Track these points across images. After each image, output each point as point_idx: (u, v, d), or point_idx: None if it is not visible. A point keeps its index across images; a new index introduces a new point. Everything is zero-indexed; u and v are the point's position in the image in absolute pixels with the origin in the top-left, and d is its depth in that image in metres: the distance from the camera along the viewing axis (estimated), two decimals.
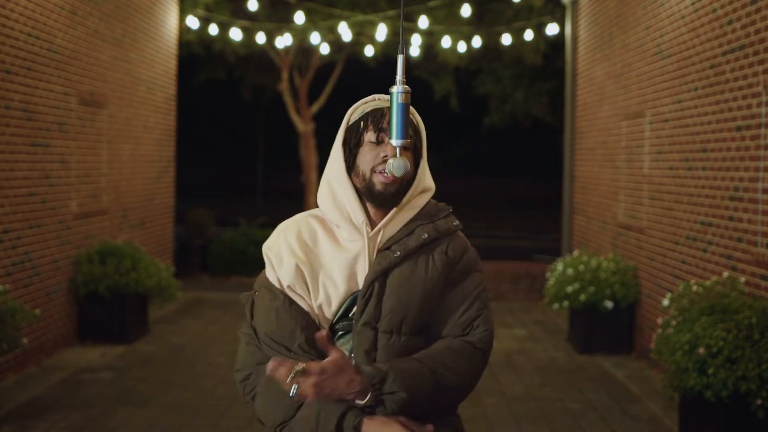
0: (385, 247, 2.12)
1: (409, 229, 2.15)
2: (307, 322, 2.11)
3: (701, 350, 4.87)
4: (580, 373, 7.34)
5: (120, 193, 9.27)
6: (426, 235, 2.13)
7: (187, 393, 6.46)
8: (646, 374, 7.23)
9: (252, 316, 2.16)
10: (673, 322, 5.42)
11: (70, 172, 7.89)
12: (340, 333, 2.13)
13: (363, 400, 2.00)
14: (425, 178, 2.19)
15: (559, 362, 7.74)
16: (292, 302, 2.12)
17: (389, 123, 2.10)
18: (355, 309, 2.11)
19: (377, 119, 2.13)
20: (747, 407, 4.76)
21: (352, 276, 2.11)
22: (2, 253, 6.58)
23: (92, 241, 8.34)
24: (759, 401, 4.65)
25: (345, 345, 2.11)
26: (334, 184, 2.16)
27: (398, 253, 2.11)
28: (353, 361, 2.06)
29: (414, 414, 2.03)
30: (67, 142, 7.82)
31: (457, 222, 2.21)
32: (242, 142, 38.42)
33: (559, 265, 8.43)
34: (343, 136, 2.16)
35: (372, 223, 2.15)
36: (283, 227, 2.20)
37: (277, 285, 2.14)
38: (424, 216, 2.17)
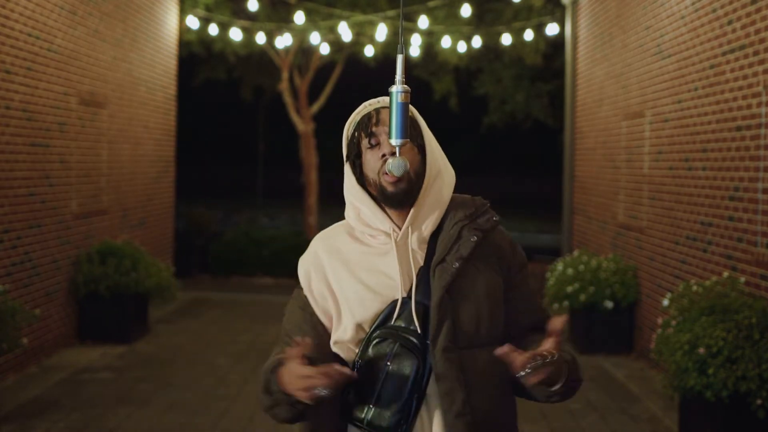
0: (439, 260, 2.08)
1: (453, 233, 2.11)
2: (318, 329, 2.12)
3: (701, 350, 4.87)
4: None
5: (120, 193, 9.26)
6: (474, 237, 2.10)
7: (187, 393, 6.46)
8: (646, 374, 7.23)
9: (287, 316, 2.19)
10: (673, 322, 5.42)
11: (70, 172, 7.89)
12: (377, 340, 2.07)
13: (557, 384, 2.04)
14: (436, 162, 2.15)
15: None
16: (307, 311, 2.14)
17: (378, 122, 2.11)
18: (396, 316, 2.08)
19: (365, 124, 2.12)
20: (747, 407, 4.76)
21: (388, 282, 2.08)
22: (2, 253, 6.58)
23: (92, 241, 8.34)
24: (759, 401, 4.65)
25: (382, 351, 2.05)
26: (353, 200, 2.15)
27: (456, 264, 2.07)
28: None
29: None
30: (67, 142, 7.82)
31: (497, 217, 2.18)
32: (242, 142, 38.42)
33: (559, 265, 8.43)
34: (346, 152, 2.16)
35: (398, 226, 2.13)
36: (318, 237, 2.22)
37: (300, 289, 2.17)
38: (462, 213, 2.14)
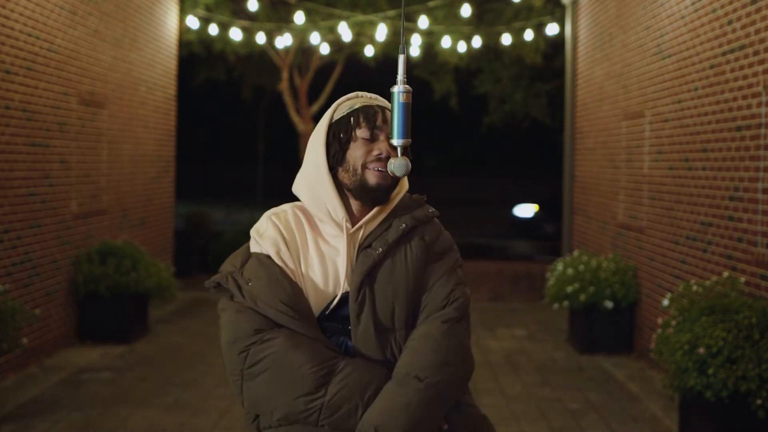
0: (366, 245, 2.11)
1: (386, 223, 2.15)
2: (302, 294, 2.10)
3: (701, 350, 4.87)
4: (580, 373, 7.34)
5: (120, 193, 9.27)
6: (404, 225, 2.13)
7: (187, 393, 6.46)
8: (646, 374, 7.23)
9: (241, 290, 2.09)
10: (673, 322, 5.42)
11: (70, 172, 7.89)
12: (328, 335, 2.10)
13: None
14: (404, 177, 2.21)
15: (559, 362, 7.74)
16: (286, 273, 2.10)
17: (383, 121, 2.11)
18: (332, 308, 2.10)
19: (370, 116, 2.12)
20: (747, 407, 4.76)
21: (334, 274, 2.10)
22: (2, 253, 6.58)
23: (92, 241, 8.34)
24: (759, 401, 4.65)
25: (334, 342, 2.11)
26: (311, 179, 2.14)
27: (380, 249, 2.10)
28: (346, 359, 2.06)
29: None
30: (67, 142, 7.82)
31: (433, 209, 2.21)
32: (242, 142, 38.40)
33: (559, 265, 8.43)
34: (326, 131, 2.14)
35: (353, 220, 2.14)
36: (271, 212, 2.20)
37: (267, 256, 2.12)
38: (400, 209, 2.18)
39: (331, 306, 2.10)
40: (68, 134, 7.85)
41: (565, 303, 8.01)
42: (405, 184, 2.21)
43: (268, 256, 2.12)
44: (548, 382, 6.98)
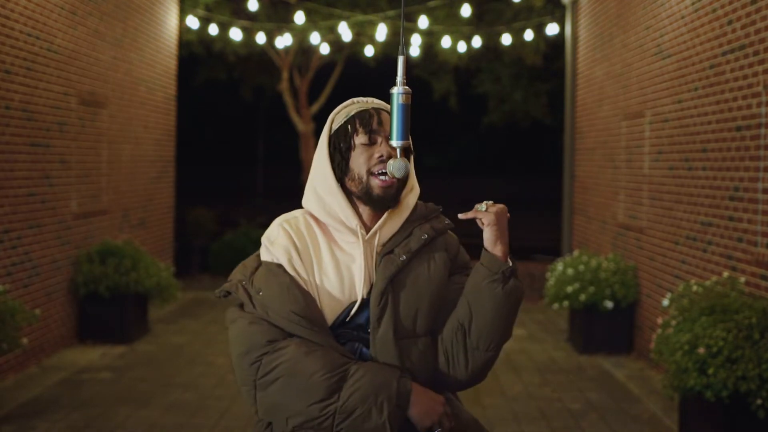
0: (387, 251, 2.11)
1: (406, 230, 2.15)
2: (314, 302, 2.08)
3: (701, 350, 4.87)
4: (580, 373, 7.34)
5: (120, 193, 9.26)
6: (425, 235, 2.15)
7: (187, 393, 6.46)
8: (646, 374, 7.23)
9: (251, 300, 2.08)
10: (673, 322, 5.42)
11: (70, 172, 7.89)
12: (342, 342, 2.10)
13: (501, 270, 2.13)
14: (413, 177, 2.21)
15: (559, 362, 7.74)
16: (297, 282, 2.09)
17: (379, 123, 2.11)
18: (351, 316, 2.09)
19: (366, 120, 2.11)
20: (747, 407, 4.76)
21: (349, 281, 2.09)
22: (2, 253, 6.59)
23: (92, 241, 8.34)
24: (759, 401, 4.65)
25: (348, 349, 2.11)
26: (320, 191, 2.13)
27: (403, 257, 2.10)
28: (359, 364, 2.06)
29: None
30: (67, 142, 7.82)
31: (448, 221, 2.25)
32: (242, 142, 38.41)
33: (559, 265, 8.43)
34: (327, 141, 2.14)
35: (366, 226, 2.14)
36: (282, 219, 2.18)
37: (278, 265, 2.11)
38: (418, 216, 2.19)
39: (351, 313, 2.09)
40: (68, 134, 7.85)
41: (565, 303, 8.01)
42: (416, 186, 2.21)
43: (279, 265, 2.11)
44: (548, 382, 6.99)
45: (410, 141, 2.14)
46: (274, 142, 36.29)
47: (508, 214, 2.15)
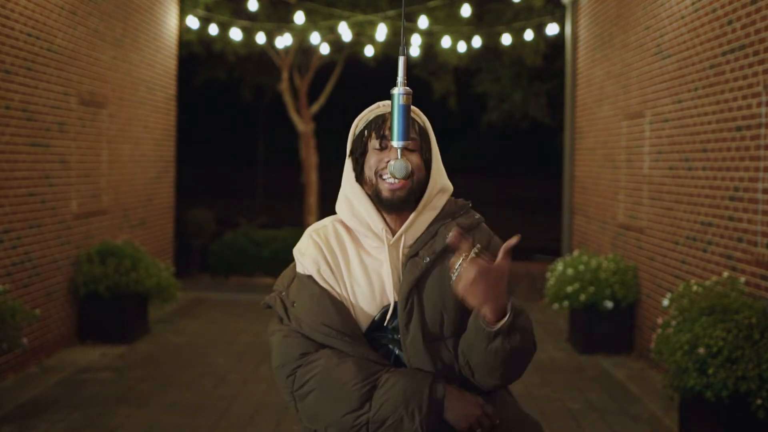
0: (413, 254, 2.11)
1: (431, 231, 2.14)
2: (346, 311, 2.10)
3: (701, 350, 4.88)
4: (580, 373, 7.34)
5: (120, 193, 9.27)
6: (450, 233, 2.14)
7: (187, 393, 6.46)
8: (646, 374, 7.24)
9: (287, 312, 2.12)
10: (673, 322, 5.42)
11: (70, 172, 7.89)
12: (377, 345, 2.11)
13: (498, 321, 1.93)
14: (440, 179, 2.18)
15: (559, 362, 7.74)
16: (327, 293, 2.11)
17: (391, 127, 2.11)
18: (388, 320, 2.09)
19: (378, 125, 2.13)
20: (747, 407, 4.76)
21: (379, 285, 2.10)
22: (2, 253, 6.58)
23: (92, 241, 8.34)
24: (759, 401, 4.65)
25: (383, 353, 2.11)
26: (349, 195, 2.16)
27: (427, 258, 2.10)
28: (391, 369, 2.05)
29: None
30: (67, 142, 7.82)
31: (479, 215, 2.22)
32: (242, 142, 38.40)
33: (559, 265, 8.43)
34: (350, 147, 2.17)
35: (392, 230, 2.14)
36: (312, 230, 2.20)
37: (309, 276, 2.13)
38: (445, 215, 2.17)
39: (386, 317, 2.09)
40: (68, 134, 7.85)
41: (565, 303, 8.01)
42: (447, 186, 2.19)
43: (309, 276, 2.13)
44: (548, 383, 6.99)
45: (424, 141, 2.14)
46: (274, 142, 36.30)
47: (505, 262, 1.93)
